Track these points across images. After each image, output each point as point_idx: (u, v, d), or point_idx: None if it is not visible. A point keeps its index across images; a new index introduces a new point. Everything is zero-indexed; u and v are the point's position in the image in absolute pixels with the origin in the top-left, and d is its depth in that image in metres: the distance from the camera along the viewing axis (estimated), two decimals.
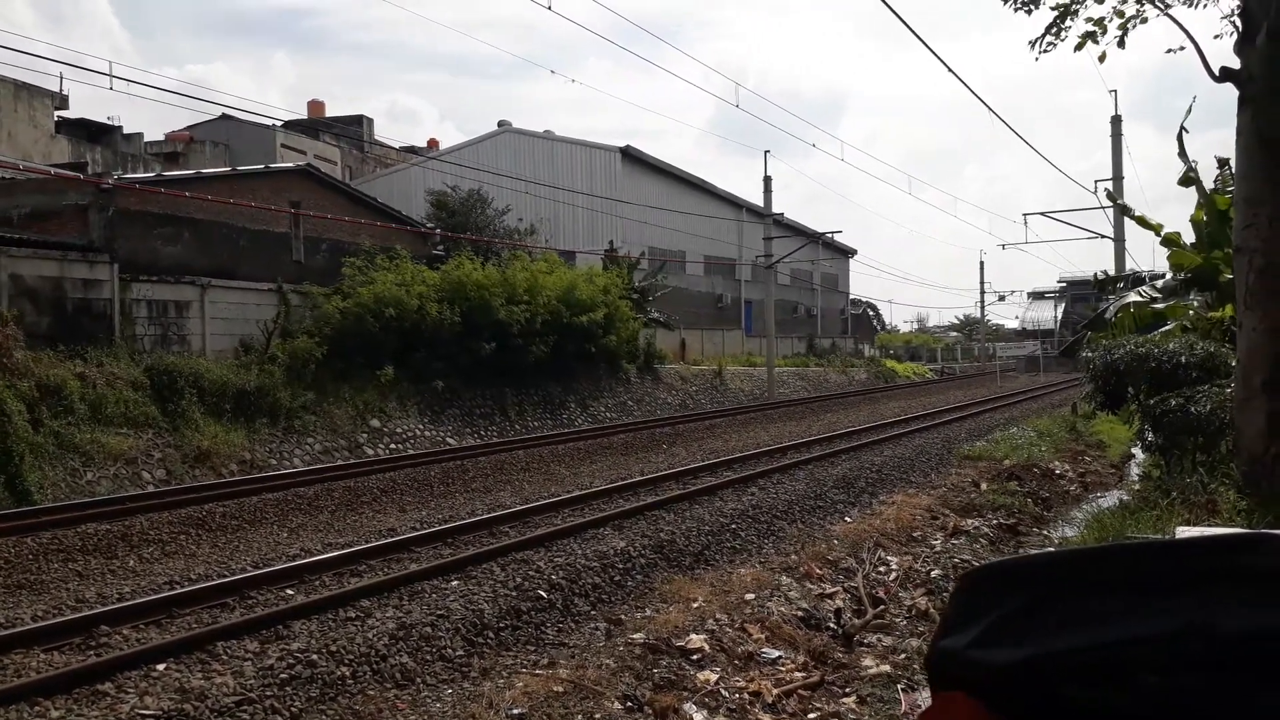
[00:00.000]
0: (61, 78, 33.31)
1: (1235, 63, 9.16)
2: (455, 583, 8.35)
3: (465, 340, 22.04)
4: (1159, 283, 17.03)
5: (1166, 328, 14.91)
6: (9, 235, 17.35)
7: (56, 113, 34.19)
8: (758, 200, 37.93)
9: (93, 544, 10.08)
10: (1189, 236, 14.92)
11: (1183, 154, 14.04)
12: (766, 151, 42.21)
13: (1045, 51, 10.53)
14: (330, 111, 50.50)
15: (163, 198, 19.63)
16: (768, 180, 35.32)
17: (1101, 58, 10.44)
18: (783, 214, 40.30)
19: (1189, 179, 14.18)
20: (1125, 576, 1.02)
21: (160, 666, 6.24)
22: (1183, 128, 14.06)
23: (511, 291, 23.37)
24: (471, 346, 22.07)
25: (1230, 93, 9.19)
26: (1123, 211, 18.07)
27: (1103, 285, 19.88)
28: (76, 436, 14.02)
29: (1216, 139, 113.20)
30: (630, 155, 39.58)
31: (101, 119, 38.11)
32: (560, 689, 6.08)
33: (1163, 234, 15.29)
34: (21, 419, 13.24)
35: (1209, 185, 14.44)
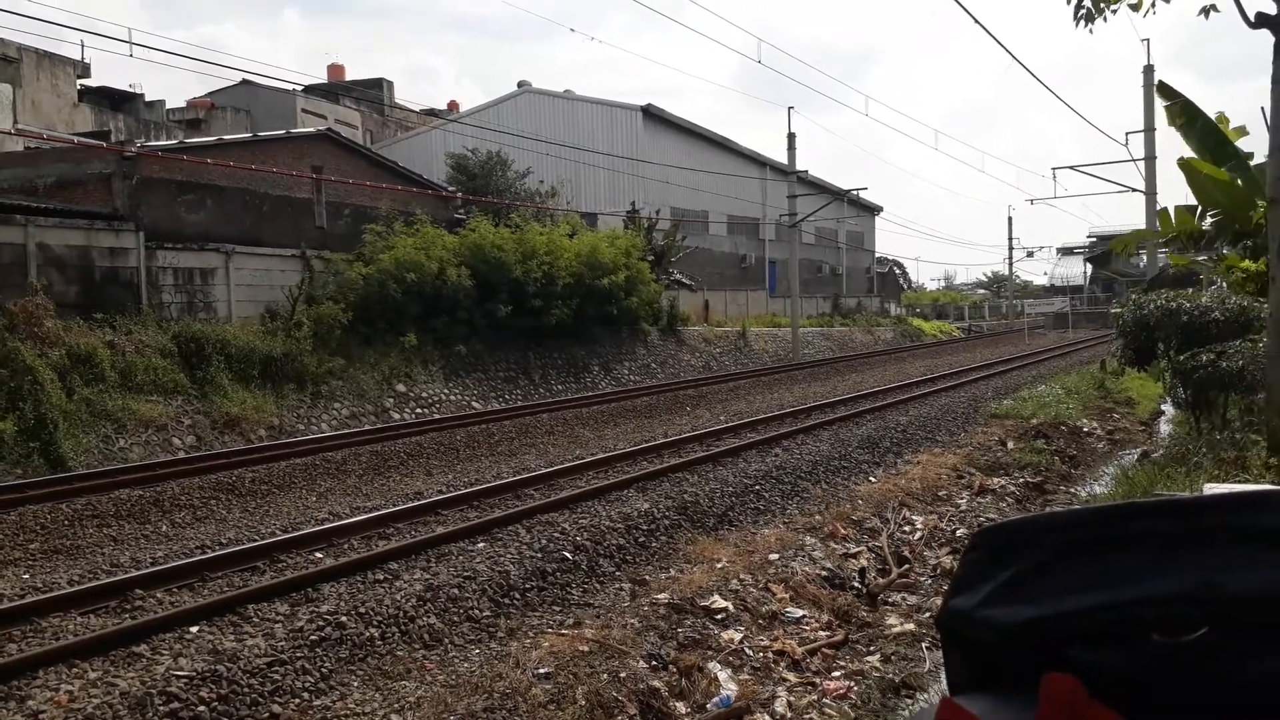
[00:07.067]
0: (83, 45, 33.35)
1: (1272, 8, 8.88)
2: (482, 545, 8.43)
3: (484, 303, 22.08)
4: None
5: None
6: (36, 205, 17.50)
7: (78, 81, 34.28)
8: (782, 158, 37.44)
9: (126, 509, 10.27)
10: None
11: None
12: (790, 108, 41.57)
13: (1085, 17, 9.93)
14: (349, 74, 50.32)
15: (186, 165, 19.69)
16: (791, 137, 34.85)
17: (1136, 6, 10.11)
18: (807, 171, 39.73)
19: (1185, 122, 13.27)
20: (1139, 535, 1.01)
21: (194, 629, 6.38)
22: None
23: (528, 251, 23.34)
24: (489, 308, 22.11)
25: (1267, 40, 8.92)
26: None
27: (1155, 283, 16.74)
28: (108, 404, 14.22)
29: (1257, 87, 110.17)
30: (652, 114, 39.11)
31: (122, 86, 38.26)
32: (586, 648, 6.15)
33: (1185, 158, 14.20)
34: (54, 387, 13.44)
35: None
